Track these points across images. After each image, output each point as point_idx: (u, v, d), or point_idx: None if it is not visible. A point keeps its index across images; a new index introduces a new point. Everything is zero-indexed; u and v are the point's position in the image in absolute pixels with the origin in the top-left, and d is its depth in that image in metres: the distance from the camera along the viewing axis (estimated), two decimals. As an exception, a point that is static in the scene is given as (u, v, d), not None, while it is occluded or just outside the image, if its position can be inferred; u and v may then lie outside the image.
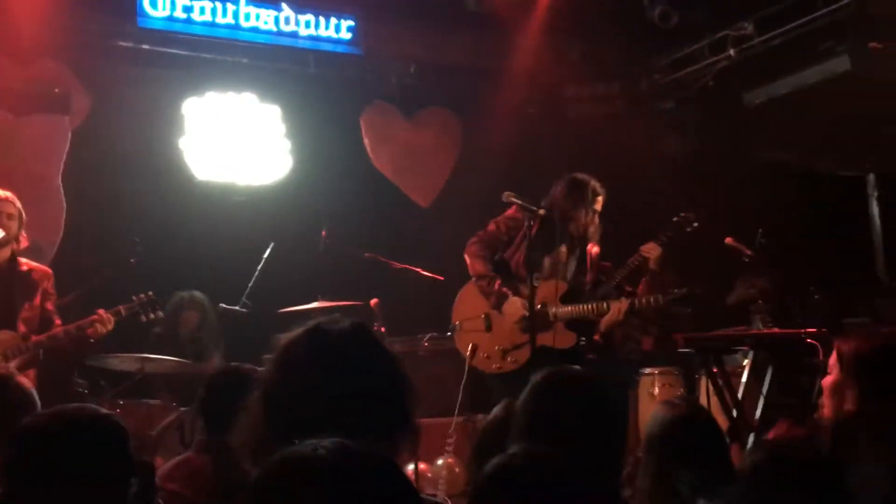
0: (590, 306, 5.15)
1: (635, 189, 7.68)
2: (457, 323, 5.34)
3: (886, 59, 6.33)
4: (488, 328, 5.23)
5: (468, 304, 5.34)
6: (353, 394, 1.75)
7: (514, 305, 5.15)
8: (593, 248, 5.35)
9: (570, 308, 5.15)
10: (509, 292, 5.19)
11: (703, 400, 5.05)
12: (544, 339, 4.99)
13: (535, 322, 4.79)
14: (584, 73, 7.98)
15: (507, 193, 4.95)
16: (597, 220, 5.28)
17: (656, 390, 5.97)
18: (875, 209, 7.29)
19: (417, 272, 6.43)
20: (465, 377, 5.22)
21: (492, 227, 5.35)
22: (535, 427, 2.31)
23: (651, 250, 5.24)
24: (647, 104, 8.06)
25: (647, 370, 6.01)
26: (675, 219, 5.35)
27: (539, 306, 5.00)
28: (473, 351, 5.17)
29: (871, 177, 7.30)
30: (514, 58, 7.61)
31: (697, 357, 5.37)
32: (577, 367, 3.21)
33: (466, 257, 5.35)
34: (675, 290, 5.04)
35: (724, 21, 7.14)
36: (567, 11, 7.45)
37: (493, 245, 5.31)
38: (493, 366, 5.18)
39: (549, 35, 7.52)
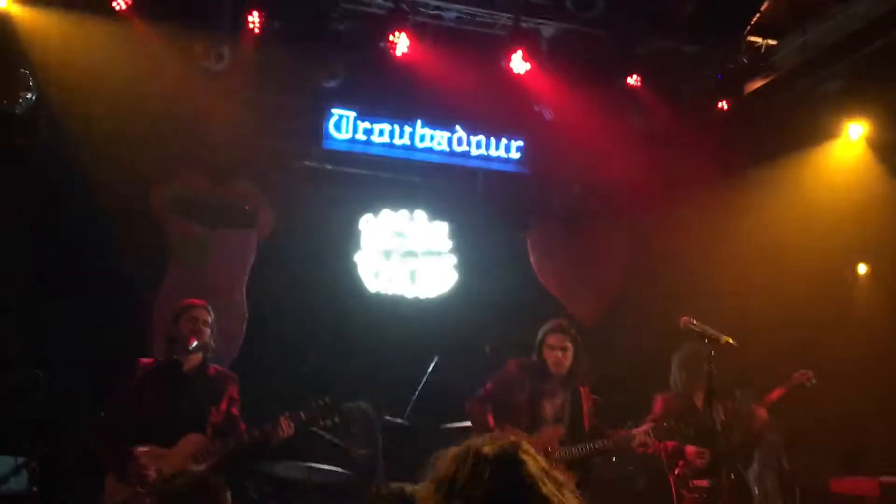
0: (602, 443, 5.27)
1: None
2: None
3: None
4: None
5: None
6: None
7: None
8: (587, 393, 5.51)
9: (572, 449, 5.22)
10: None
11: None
12: None
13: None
14: (755, 189, 7.73)
15: (685, 319, 4.79)
16: (566, 356, 5.39)
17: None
18: None
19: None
20: None
21: (489, 386, 5.49)
22: None
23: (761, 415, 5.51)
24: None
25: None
26: (794, 375, 5.54)
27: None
28: None
29: None
30: (682, 174, 7.51)
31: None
32: None
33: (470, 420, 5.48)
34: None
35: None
36: (735, 129, 7.33)
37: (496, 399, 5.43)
38: None
39: (719, 150, 7.40)
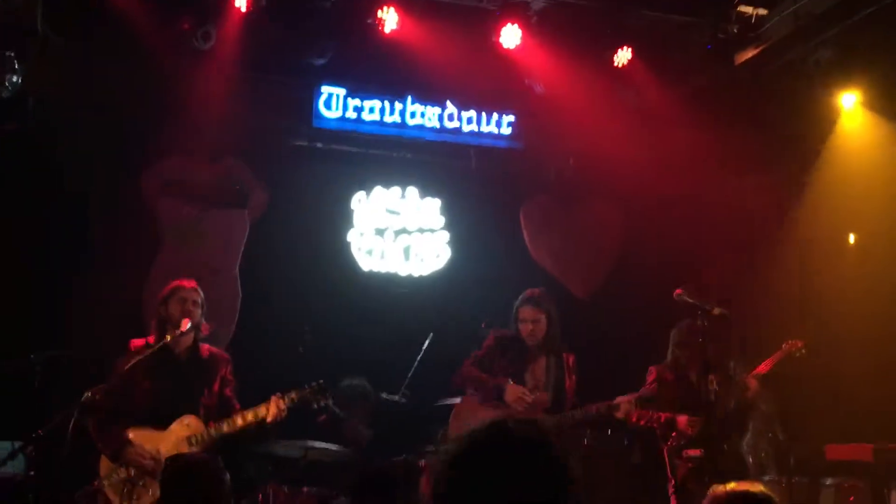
0: (585, 412, 5.34)
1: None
2: None
3: None
4: None
5: (468, 418, 5.34)
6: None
7: (515, 391, 5.29)
8: (570, 357, 5.59)
9: (557, 417, 5.27)
10: (504, 380, 5.35)
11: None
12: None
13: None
14: (748, 161, 7.72)
15: (678, 291, 4.81)
16: (538, 328, 5.46)
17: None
18: None
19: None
20: None
21: (476, 354, 5.62)
22: None
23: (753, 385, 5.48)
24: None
25: (829, 481, 5.55)
26: (784, 345, 5.57)
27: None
28: None
29: None
30: (676, 147, 7.49)
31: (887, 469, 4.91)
32: None
33: (459, 379, 5.60)
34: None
35: None
36: (726, 100, 7.30)
37: (482, 366, 5.56)
38: None
39: (710, 124, 7.37)
